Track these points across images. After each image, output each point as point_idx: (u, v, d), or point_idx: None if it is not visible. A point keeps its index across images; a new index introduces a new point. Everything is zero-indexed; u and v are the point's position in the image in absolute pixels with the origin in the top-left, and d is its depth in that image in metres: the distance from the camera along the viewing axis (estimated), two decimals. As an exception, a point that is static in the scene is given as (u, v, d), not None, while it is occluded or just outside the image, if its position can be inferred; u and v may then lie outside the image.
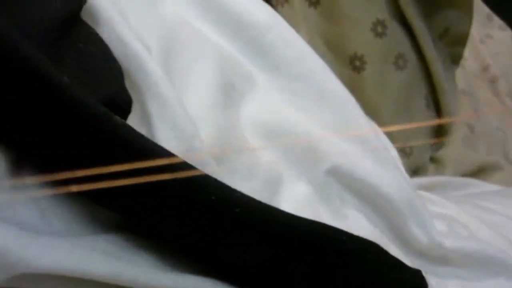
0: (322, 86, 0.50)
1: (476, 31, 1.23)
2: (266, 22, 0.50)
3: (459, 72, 1.02)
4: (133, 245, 0.38)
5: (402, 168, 0.58)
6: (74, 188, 0.33)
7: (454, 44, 0.85)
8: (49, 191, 0.36)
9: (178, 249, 0.39)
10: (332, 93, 0.50)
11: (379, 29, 0.74)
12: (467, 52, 1.16)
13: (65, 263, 0.34)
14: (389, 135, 0.73)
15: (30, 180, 0.36)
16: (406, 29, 0.77)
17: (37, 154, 0.35)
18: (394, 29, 0.75)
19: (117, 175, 0.34)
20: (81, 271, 0.34)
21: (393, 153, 0.60)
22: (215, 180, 0.37)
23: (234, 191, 0.38)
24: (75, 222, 0.37)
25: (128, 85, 0.41)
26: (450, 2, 0.79)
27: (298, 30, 0.72)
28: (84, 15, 0.43)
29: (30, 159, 0.35)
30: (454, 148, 0.88)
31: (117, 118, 0.35)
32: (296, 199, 0.47)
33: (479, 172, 0.88)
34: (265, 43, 0.50)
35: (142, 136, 0.36)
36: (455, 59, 0.89)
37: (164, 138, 0.40)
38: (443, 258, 0.52)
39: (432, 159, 0.87)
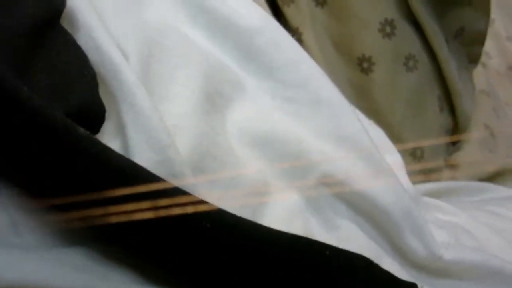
0: (317, 92, 0.49)
1: (503, 29, 1.20)
2: (257, 26, 0.49)
3: (479, 72, 0.99)
4: (108, 258, 0.37)
5: (404, 175, 0.57)
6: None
7: (471, 43, 0.82)
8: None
9: (153, 263, 0.37)
10: (327, 100, 0.49)
11: (388, 29, 0.72)
12: (492, 51, 1.14)
13: (32, 277, 0.33)
14: (399, 138, 0.71)
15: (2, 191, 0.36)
16: (417, 29, 0.75)
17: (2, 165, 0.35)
18: (404, 29, 0.73)
19: (82, 187, 0.34)
20: (48, 286, 0.33)
21: (395, 158, 0.58)
22: (184, 193, 0.36)
23: (205, 204, 0.36)
24: (48, 234, 0.37)
25: (104, 93, 0.40)
26: (464, 0, 0.77)
27: (304, 31, 0.71)
28: (63, 21, 0.42)
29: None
30: (470, 151, 0.86)
31: (81, 129, 0.34)
32: (285, 209, 0.45)
33: (497, 176, 0.85)
34: (256, 48, 0.49)
35: (107, 148, 0.35)
36: (473, 59, 0.86)
37: (138, 148, 0.38)
38: (443, 271, 0.50)
39: (447, 163, 0.85)
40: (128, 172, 0.35)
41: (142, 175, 0.35)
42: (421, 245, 0.48)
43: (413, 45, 0.75)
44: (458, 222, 0.60)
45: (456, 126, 0.84)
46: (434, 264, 0.50)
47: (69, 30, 0.42)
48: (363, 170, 0.47)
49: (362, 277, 0.42)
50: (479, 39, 0.84)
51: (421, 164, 0.76)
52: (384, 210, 0.47)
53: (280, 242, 0.38)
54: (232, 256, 0.36)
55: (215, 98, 0.45)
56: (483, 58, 1.06)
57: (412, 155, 0.76)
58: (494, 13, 1.19)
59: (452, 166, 0.84)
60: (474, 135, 0.87)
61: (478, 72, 0.98)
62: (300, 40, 0.72)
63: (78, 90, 0.38)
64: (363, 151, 0.48)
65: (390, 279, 0.44)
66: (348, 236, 0.47)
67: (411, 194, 0.54)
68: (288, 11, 0.72)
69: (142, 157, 0.38)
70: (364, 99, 0.73)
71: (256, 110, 0.48)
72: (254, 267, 0.37)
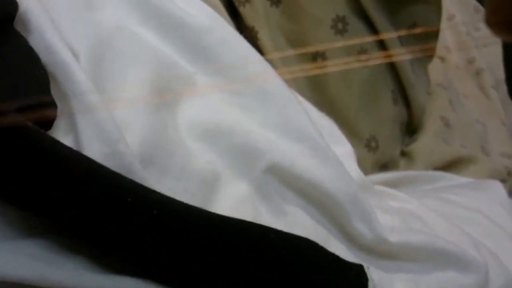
0: (263, 86, 0.51)
1: (463, 24, 1.23)
2: (206, 25, 0.51)
3: (437, 66, 1.02)
4: (63, 248, 0.39)
5: (354, 165, 0.59)
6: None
7: (424, 38, 0.85)
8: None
9: (105, 250, 0.39)
10: (273, 93, 0.51)
11: (340, 25, 0.75)
12: (452, 45, 1.16)
13: None
14: (354, 130, 0.74)
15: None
16: (369, 25, 0.77)
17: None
18: (355, 25, 0.76)
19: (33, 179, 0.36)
20: (6, 275, 0.35)
21: (346, 148, 0.60)
22: (132, 182, 0.38)
23: (152, 192, 0.38)
24: (7, 226, 0.38)
25: (56, 92, 0.42)
26: (416, -3, 0.80)
27: (260, 30, 0.73)
28: (17, 23, 0.44)
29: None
30: (425, 142, 0.88)
31: (30, 125, 0.36)
32: (234, 198, 0.47)
33: (452, 165, 0.88)
34: (205, 46, 0.51)
35: (57, 142, 0.37)
36: (427, 53, 0.89)
37: (89, 142, 0.40)
38: (389, 253, 0.53)
39: (403, 154, 0.87)
40: (71, 161, 0.37)
41: (93, 169, 0.38)
42: (368, 229, 0.51)
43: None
44: (409, 209, 0.63)
45: (411, 118, 0.87)
46: (381, 246, 0.52)
47: (22, 32, 0.44)
48: (309, 158, 0.50)
49: (308, 259, 0.44)
50: (432, 34, 0.86)
51: (376, 155, 0.79)
52: (331, 196, 0.49)
53: (223, 225, 0.40)
54: (178, 241, 0.39)
55: (164, 94, 0.47)
56: (442, 53, 1.09)
57: (367, 147, 0.78)
58: (454, 9, 1.22)
59: (408, 157, 0.87)
60: (429, 126, 0.90)
61: (435, 66, 1.01)
62: (256, 39, 0.74)
63: (30, 89, 0.40)
64: (308, 140, 0.50)
65: (336, 261, 0.46)
66: (295, 221, 0.49)
67: (359, 181, 0.57)
68: (244, 11, 0.74)
69: (93, 150, 0.40)
70: (319, 94, 0.76)
71: (205, 104, 0.50)
72: (199, 250, 0.39)
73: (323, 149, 0.50)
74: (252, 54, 0.52)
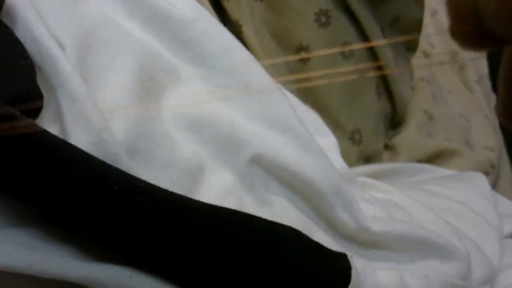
0: (248, 78, 0.51)
1: (446, 19, 1.24)
2: (190, 17, 0.51)
3: (420, 59, 1.03)
4: (50, 236, 0.39)
5: (338, 156, 0.60)
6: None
7: (407, 31, 0.86)
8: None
9: (96, 239, 0.40)
10: (258, 85, 0.52)
11: (323, 19, 0.75)
12: (435, 39, 1.17)
13: None
14: (337, 123, 0.75)
15: None
16: (352, 18, 0.78)
17: None
18: (339, 18, 0.76)
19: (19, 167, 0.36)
20: None
21: (329, 140, 0.61)
22: (117, 170, 0.38)
23: (137, 180, 0.39)
24: None
25: (42, 82, 0.43)
26: (398, -10, 0.80)
27: (244, 23, 0.74)
28: (3, 15, 0.44)
29: None
30: (408, 135, 0.89)
31: (17, 113, 0.36)
32: (219, 188, 0.48)
33: (435, 158, 0.89)
34: (190, 38, 0.51)
35: (43, 131, 0.37)
36: (410, 46, 0.89)
37: (75, 132, 0.41)
38: (372, 242, 0.53)
39: (387, 146, 0.88)
40: (57, 150, 0.37)
41: (78, 157, 0.38)
42: (350, 218, 0.51)
43: (349, 33, 0.78)
44: (392, 199, 0.64)
45: (395, 112, 0.88)
46: (364, 235, 0.53)
47: (9, 24, 0.44)
48: (292, 149, 0.50)
49: (291, 247, 0.44)
50: (415, 27, 0.87)
51: (360, 148, 0.79)
52: (314, 186, 0.50)
53: (208, 212, 0.41)
54: (163, 228, 0.39)
55: (150, 85, 0.48)
56: (426, 48, 1.10)
57: (351, 139, 0.79)
58: (437, 4, 1.23)
59: (391, 149, 0.88)
60: (412, 120, 0.91)
61: (419, 60, 1.02)
62: (240, 32, 0.74)
63: (16, 79, 0.41)
64: (292, 132, 0.51)
65: (320, 250, 0.46)
66: (280, 211, 0.50)
67: (343, 172, 0.57)
68: (228, 5, 0.74)
69: (79, 139, 0.40)
70: (303, 88, 0.76)
71: (190, 96, 0.50)
72: (183, 237, 0.40)
73: (307, 141, 0.51)
74: (236, 45, 0.52)
